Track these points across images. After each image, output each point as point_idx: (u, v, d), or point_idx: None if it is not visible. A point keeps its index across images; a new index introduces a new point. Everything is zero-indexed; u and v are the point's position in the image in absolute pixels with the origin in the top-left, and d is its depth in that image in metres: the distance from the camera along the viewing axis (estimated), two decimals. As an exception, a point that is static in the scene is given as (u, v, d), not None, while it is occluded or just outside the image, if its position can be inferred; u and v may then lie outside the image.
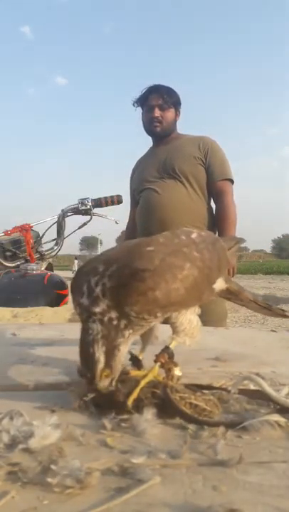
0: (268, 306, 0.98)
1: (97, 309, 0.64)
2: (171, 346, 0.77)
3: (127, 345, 0.68)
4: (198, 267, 0.72)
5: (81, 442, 0.53)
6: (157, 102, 2.28)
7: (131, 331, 0.67)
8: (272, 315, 1.02)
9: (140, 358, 0.80)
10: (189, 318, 0.78)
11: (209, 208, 2.29)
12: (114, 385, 0.64)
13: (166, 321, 0.79)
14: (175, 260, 0.69)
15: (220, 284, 0.84)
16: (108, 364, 0.63)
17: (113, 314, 0.65)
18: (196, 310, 0.80)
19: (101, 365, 0.63)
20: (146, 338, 0.82)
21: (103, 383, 0.64)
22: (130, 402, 0.61)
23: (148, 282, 0.64)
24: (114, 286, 0.65)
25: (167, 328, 0.82)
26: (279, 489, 0.43)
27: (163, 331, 0.83)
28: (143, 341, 0.83)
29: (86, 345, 0.64)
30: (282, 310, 1.01)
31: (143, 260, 0.66)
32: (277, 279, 18.50)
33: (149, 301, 0.65)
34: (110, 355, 0.64)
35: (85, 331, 0.64)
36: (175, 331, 0.78)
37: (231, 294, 0.93)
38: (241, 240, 0.99)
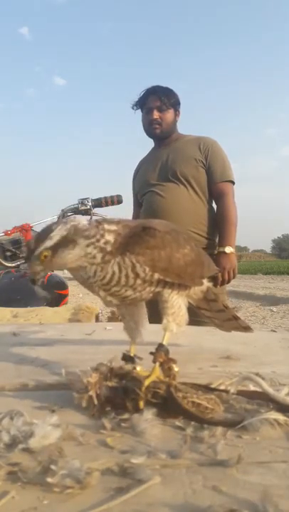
0: (236, 317, 1.02)
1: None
2: (165, 342, 0.78)
3: (93, 246, 0.69)
4: (195, 252, 0.82)
5: (81, 442, 0.53)
6: (156, 104, 2.27)
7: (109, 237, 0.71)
8: (237, 328, 1.04)
9: (132, 355, 0.80)
10: (180, 303, 0.82)
11: (210, 209, 2.29)
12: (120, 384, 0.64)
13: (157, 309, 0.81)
14: (178, 238, 0.79)
15: (206, 284, 0.93)
16: (55, 248, 0.67)
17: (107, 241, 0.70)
18: (185, 302, 0.84)
19: (51, 242, 0.66)
20: (134, 335, 0.84)
21: (38, 265, 0.67)
22: (141, 405, 0.61)
23: (157, 240, 0.74)
24: (128, 236, 0.71)
25: (152, 327, 0.85)
26: (279, 489, 0.43)
27: (149, 332, 0.84)
28: (131, 338, 0.85)
29: (49, 225, 0.68)
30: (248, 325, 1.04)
31: (155, 225, 0.76)
32: (277, 279, 18.50)
33: (154, 257, 0.72)
34: (67, 242, 0.67)
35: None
36: (165, 312, 0.80)
37: (209, 299, 0.99)
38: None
